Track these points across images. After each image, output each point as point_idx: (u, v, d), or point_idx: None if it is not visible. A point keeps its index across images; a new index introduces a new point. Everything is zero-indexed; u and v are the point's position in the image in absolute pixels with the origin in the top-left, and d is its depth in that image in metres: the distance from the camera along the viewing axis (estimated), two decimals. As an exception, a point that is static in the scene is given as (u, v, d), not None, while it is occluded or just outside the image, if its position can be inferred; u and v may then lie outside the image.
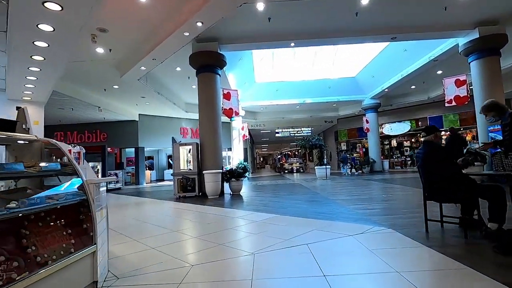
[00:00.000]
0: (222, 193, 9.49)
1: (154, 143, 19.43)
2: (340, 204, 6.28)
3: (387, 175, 14.90)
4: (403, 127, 21.28)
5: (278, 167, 28.23)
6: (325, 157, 14.51)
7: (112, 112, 16.37)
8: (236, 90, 10.92)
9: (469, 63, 10.22)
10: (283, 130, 24.02)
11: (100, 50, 9.38)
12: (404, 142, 23.59)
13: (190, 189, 9.23)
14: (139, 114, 18.74)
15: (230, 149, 19.78)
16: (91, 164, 14.11)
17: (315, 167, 15.15)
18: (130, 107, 17.10)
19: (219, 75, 10.18)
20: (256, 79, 17.42)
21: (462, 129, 19.34)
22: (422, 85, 16.68)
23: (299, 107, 20.38)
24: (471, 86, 10.43)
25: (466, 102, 10.58)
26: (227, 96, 10.52)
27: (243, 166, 9.89)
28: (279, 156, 29.80)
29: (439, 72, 14.48)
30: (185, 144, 9.70)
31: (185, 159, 9.76)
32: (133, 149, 19.10)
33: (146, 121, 18.99)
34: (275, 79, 17.82)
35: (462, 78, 10.49)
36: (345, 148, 24.99)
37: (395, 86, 16.08)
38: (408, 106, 19.79)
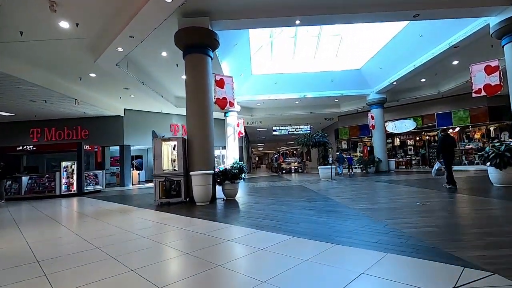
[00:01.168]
0: (213, 198, 7.77)
1: (142, 141, 17.57)
2: (370, 217, 4.62)
3: (396, 176, 13.32)
4: (408, 125, 19.75)
5: (275, 167, 26.55)
6: (330, 156, 12.87)
7: (93, 106, 14.53)
8: (231, 77, 9.21)
9: (503, 46, 8.66)
10: (281, 127, 22.38)
11: (64, 24, 7.59)
12: (408, 140, 22.14)
13: (175, 194, 7.49)
14: (124, 109, 16.90)
15: (224, 147, 18.07)
16: (64, 163, 12.29)
17: (319, 167, 13.52)
18: (113, 100, 15.26)
19: (211, 57, 8.46)
20: (253, 71, 15.74)
21: (470, 127, 17.95)
22: (433, 78, 15.17)
23: (299, 102, 18.74)
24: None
25: (499, 92, 9.01)
26: (220, 83, 8.81)
27: (238, 166, 8.19)
28: (276, 155, 28.15)
29: (455, 62, 12.98)
30: (169, 140, 7.93)
31: (169, 157, 8.01)
32: (118, 147, 17.27)
33: (133, 117, 17.16)
34: (273, 71, 16.16)
35: (493, 63, 8.93)
36: (346, 147, 23.46)
37: (404, 79, 14.53)
38: (416, 102, 18.29)
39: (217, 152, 16.65)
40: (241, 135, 16.64)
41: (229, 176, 7.93)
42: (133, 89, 13.34)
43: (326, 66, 16.12)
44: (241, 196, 8.62)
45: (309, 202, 6.62)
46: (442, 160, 7.87)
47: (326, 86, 16.76)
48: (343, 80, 16.48)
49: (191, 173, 7.26)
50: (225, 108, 8.88)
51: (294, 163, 23.73)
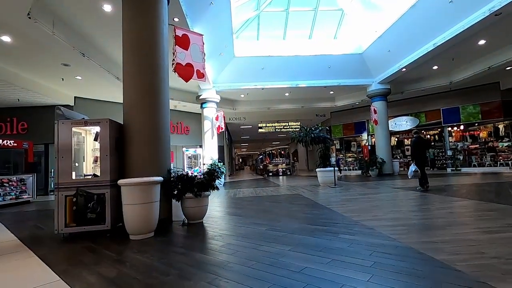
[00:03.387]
0: (166, 223, 4.54)
1: (99, 138, 13.92)
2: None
3: (410, 181, 10.50)
4: (409, 122, 17.22)
5: (261, 169, 23.43)
6: (332, 155, 9.94)
7: (27, 91, 10.90)
8: (201, 36, 5.99)
9: None
10: (267, 124, 19.28)
11: None
12: (406, 140, 19.66)
13: (94, 219, 4.16)
14: (75, 98, 13.22)
15: (201, 146, 14.75)
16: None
17: (317, 169, 10.51)
18: (56, 84, 11.58)
19: (167, -3, 5.22)
20: (235, 52, 12.56)
21: (476, 124, 15.57)
22: (447, 65, 12.58)
23: (289, 94, 15.72)
24: None
25: None
26: (182, 42, 5.58)
27: (210, 170, 5.01)
28: (262, 156, 25.07)
29: (481, 42, 10.39)
30: (86, 123, 4.51)
31: (90, 154, 4.68)
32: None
33: (86, 107, 13.44)
34: (260, 53, 13.03)
35: None
36: (339, 147, 20.67)
37: (417, 64, 11.81)
38: (421, 95, 15.75)
39: (191, 151, 13.32)
40: (221, 131, 13.39)
41: (194, 186, 4.72)
42: (76, 67, 9.81)
43: (323, 49, 13.21)
44: (213, 216, 5.40)
45: (334, 235, 3.50)
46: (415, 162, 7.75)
47: (322, 73, 13.83)
48: (341, 66, 13.60)
49: (119, 182, 3.96)
50: (191, 79, 5.64)
51: (282, 164, 20.69)
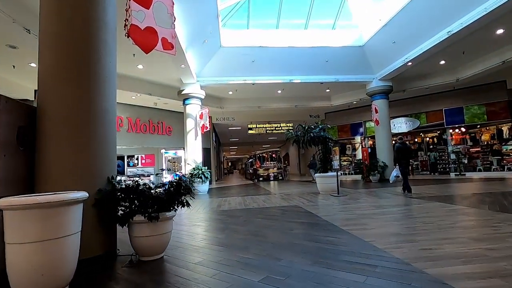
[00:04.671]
0: (103, 261, 2.81)
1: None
2: None
3: (422, 187, 9.10)
4: (411, 123, 15.98)
5: (250, 173, 21.76)
6: (335, 158, 8.43)
7: (-27, 80, 8.92)
8: (170, -6, 4.33)
9: None
10: (258, 125, 17.70)
11: None
12: (402, 143, 18.41)
13: (-34, 265, 2.42)
14: (35, 91, 11.23)
15: (184, 148, 12.97)
16: None
17: (316, 175, 8.94)
18: (7, 73, 9.65)
19: None
20: (222, 42, 10.93)
21: (479, 126, 14.43)
22: (455, 60, 11.33)
23: (282, 91, 14.18)
24: None
25: None
26: (142, -3, 3.91)
27: (176, 180, 3.33)
28: (252, 160, 23.43)
29: (500, 31, 9.15)
30: None
31: None
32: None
33: (49, 103, 11.51)
34: (250, 44, 11.44)
35: None
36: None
37: (425, 57, 10.51)
38: (424, 94, 14.52)
39: (170, 154, 11.53)
40: (205, 130, 11.67)
41: (147, 204, 3.03)
42: (25, 50, 7.92)
43: (319, 40, 11.74)
44: (182, 244, 3.70)
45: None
46: (400, 167, 7.69)
47: (319, 68, 12.37)
48: (340, 60, 12.17)
49: (0, 202, 2.22)
50: (153, 49, 3.97)
51: (273, 168, 19.07)
